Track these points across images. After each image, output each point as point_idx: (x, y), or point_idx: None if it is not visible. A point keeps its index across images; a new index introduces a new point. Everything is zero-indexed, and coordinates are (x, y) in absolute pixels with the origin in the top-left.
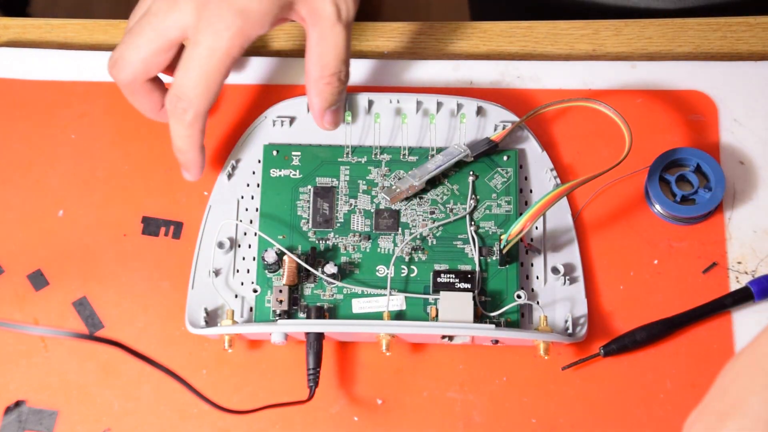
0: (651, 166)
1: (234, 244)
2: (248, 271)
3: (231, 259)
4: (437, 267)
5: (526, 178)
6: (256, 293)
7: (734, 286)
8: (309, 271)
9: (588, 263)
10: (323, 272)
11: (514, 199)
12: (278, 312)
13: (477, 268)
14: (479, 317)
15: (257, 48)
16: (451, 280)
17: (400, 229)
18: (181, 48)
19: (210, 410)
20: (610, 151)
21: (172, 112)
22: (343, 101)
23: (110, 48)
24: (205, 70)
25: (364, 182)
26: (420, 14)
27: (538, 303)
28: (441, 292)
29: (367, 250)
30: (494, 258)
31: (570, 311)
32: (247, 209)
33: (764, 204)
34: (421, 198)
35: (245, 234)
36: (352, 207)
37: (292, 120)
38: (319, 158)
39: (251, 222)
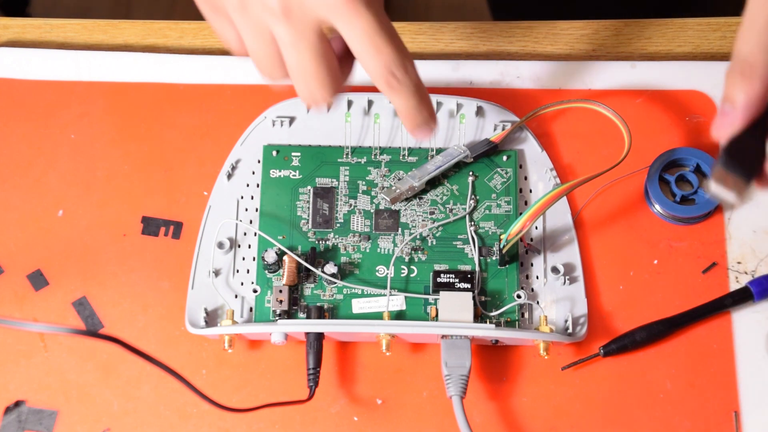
0: (651, 166)
1: (234, 244)
2: (248, 271)
3: (231, 259)
4: (437, 267)
5: (525, 178)
6: (256, 293)
7: (734, 286)
8: (309, 270)
9: (588, 263)
10: (323, 272)
11: (514, 200)
12: (278, 312)
13: (477, 268)
14: (479, 317)
15: None
16: (451, 280)
17: (399, 229)
18: None
19: (210, 410)
20: (610, 151)
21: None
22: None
23: (110, 48)
24: None
25: (364, 183)
26: (420, 14)
27: (538, 303)
28: (441, 292)
29: (367, 251)
30: (494, 258)
31: (570, 311)
32: (247, 209)
33: (764, 204)
34: (420, 198)
35: (245, 234)
36: (352, 207)
37: (291, 120)
38: (319, 159)
39: (251, 222)
